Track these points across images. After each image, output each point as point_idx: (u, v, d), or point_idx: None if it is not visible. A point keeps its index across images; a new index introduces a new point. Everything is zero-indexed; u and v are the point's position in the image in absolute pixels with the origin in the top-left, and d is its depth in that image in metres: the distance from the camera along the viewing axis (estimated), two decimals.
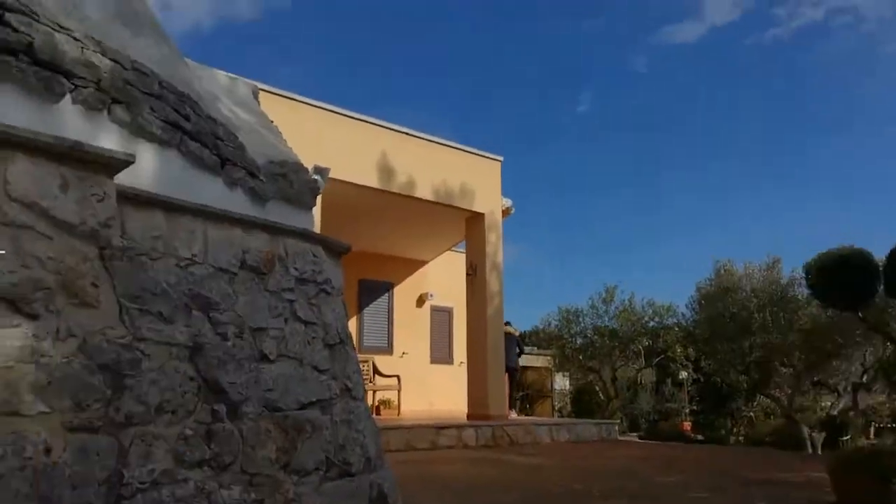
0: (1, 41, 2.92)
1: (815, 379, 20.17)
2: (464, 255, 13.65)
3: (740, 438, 23.12)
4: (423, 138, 11.63)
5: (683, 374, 24.01)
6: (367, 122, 10.89)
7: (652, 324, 23.76)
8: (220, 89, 5.89)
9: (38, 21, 3.15)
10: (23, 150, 2.50)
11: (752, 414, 24.53)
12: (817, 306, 16.96)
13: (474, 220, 12.70)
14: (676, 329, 23.20)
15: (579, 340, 24.06)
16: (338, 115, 10.50)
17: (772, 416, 23.56)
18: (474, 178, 12.47)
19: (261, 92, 8.80)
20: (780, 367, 19.74)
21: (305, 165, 6.74)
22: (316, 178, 6.62)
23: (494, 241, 12.62)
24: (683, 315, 22.90)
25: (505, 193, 12.97)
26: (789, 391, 20.24)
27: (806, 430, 19.19)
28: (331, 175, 7.86)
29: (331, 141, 10.21)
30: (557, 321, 24.88)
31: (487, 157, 12.70)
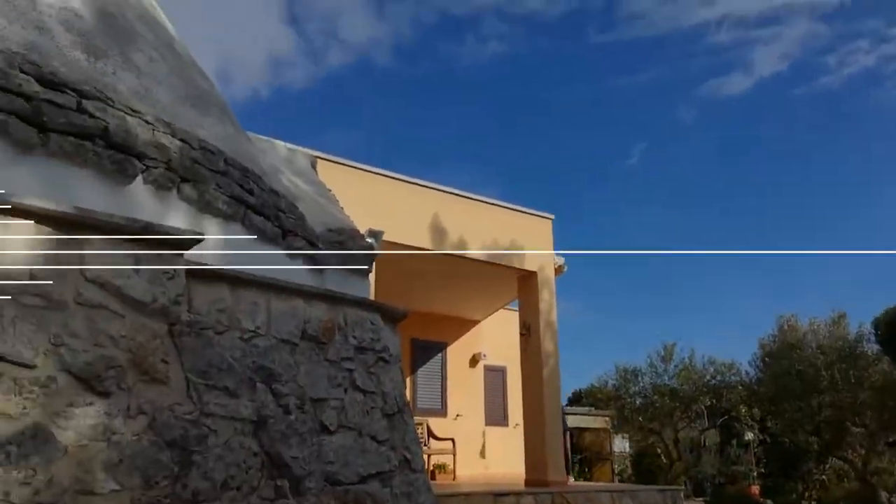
0: (78, 127, 3.09)
1: (891, 439, 19.08)
2: (517, 314, 13.54)
3: (812, 503, 21.88)
4: (473, 199, 11.73)
5: (749, 436, 22.99)
6: (418, 184, 11.07)
7: (714, 382, 22.99)
8: (281, 160, 6.08)
9: (112, 106, 3.32)
10: (99, 232, 2.60)
11: (823, 477, 23.22)
12: (888, 363, 16.16)
13: (526, 279, 12.63)
14: (740, 387, 22.35)
15: (638, 400, 23.36)
16: (390, 179, 10.70)
17: (845, 480, 22.25)
18: (525, 237, 12.46)
19: (317, 159, 9.06)
20: (851, 427, 18.75)
21: (360, 229, 6.85)
22: (370, 241, 6.70)
23: (548, 299, 12.49)
24: (747, 373, 22.08)
25: (557, 251, 12.89)
26: (863, 452, 19.16)
27: (884, 495, 18.05)
28: (384, 237, 7.97)
29: (384, 204, 10.39)
30: (615, 380, 24.29)
31: (538, 216, 12.70)
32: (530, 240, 12.52)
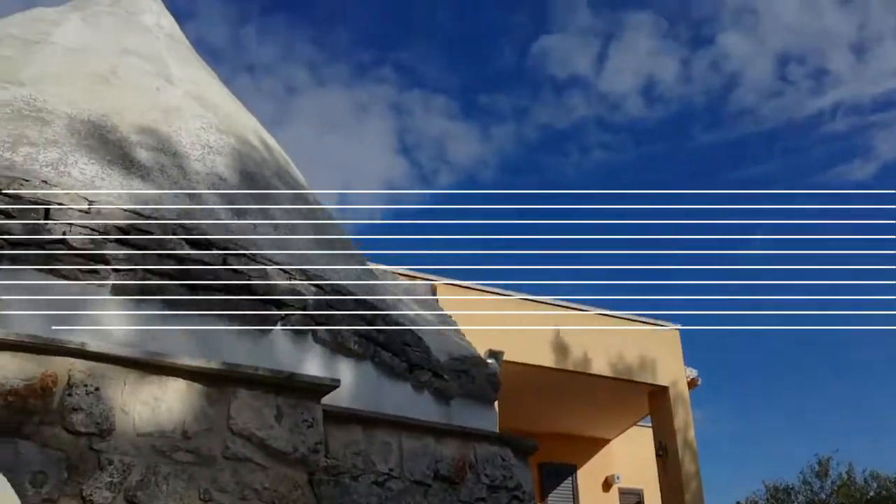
0: (224, 282, 3.32)
1: None
2: (651, 430, 12.81)
3: None
4: (595, 312, 11.50)
5: None
6: (536, 300, 11.02)
7: (879, 499, 20.47)
8: (403, 291, 6.25)
9: (253, 260, 3.57)
10: (245, 385, 2.72)
11: None
12: None
13: (658, 395, 12.01)
14: None
15: None
16: (508, 297, 10.74)
17: None
18: (652, 350, 11.97)
19: (431, 280, 9.25)
20: None
21: (480, 351, 6.81)
22: (491, 362, 6.63)
23: (683, 415, 11.77)
24: None
25: (689, 363, 12.28)
26: None
27: None
28: (505, 357, 7.88)
29: (503, 322, 10.37)
30: (764, 500, 22.14)
31: (664, 327, 12.23)
32: (658, 352, 12.01)
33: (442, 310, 6.55)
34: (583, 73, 31.96)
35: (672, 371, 12.06)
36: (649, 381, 11.83)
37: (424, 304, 6.27)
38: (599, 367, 11.29)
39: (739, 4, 30.05)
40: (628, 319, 12.13)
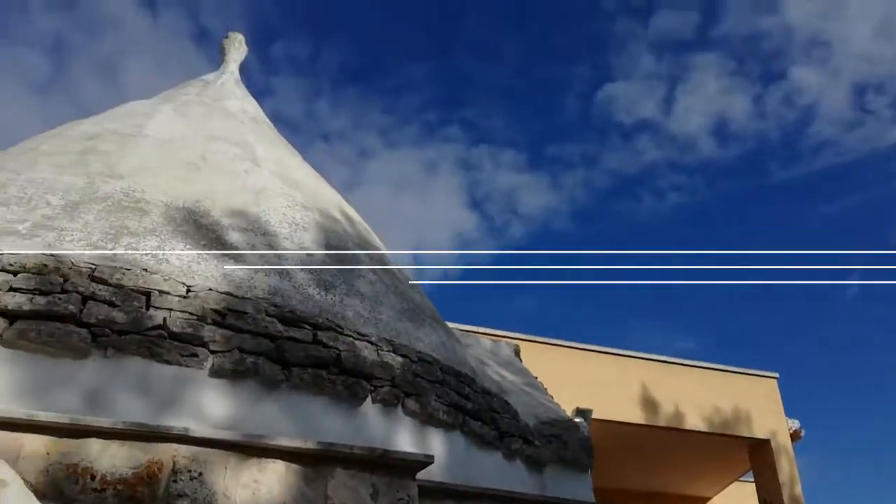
0: (314, 358, 3.36)
1: None
2: (753, 485, 12.08)
3: None
4: (685, 364, 11.07)
5: None
6: (624, 355, 10.71)
7: None
8: (486, 353, 6.19)
9: (342, 334, 3.61)
10: (341, 464, 2.72)
11: None
12: None
13: (758, 449, 11.36)
14: None
15: None
16: (593, 353, 10.47)
17: None
18: (749, 401, 11.38)
19: (513, 337, 9.14)
20: None
21: (567, 409, 6.62)
22: (579, 421, 6.43)
23: (788, 469, 11.05)
24: None
25: (791, 413, 11.60)
26: None
27: None
28: (593, 415, 7.64)
29: (589, 379, 10.10)
30: None
31: (760, 376, 11.64)
32: (755, 403, 11.42)
33: (525, 369, 6.44)
34: (650, 116, 31.68)
35: (772, 422, 11.42)
36: (747, 435, 11.23)
37: (508, 365, 6.18)
38: (693, 421, 10.80)
39: (809, 37, 29.36)
40: (721, 370, 11.63)
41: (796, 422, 11.80)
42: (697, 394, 11.06)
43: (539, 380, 6.58)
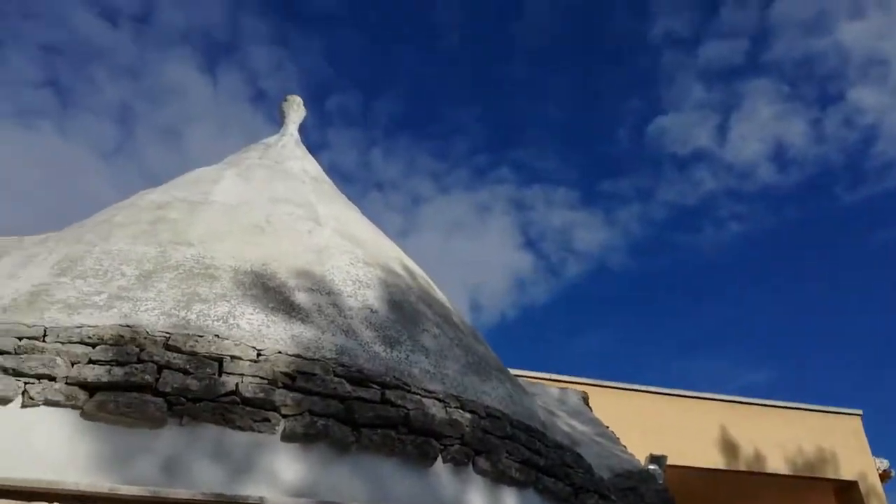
0: (383, 419, 3.33)
1: None
2: None
3: None
4: (763, 404, 10.65)
5: None
6: (697, 397, 10.36)
7: None
8: (554, 402, 6.06)
9: (409, 392, 3.58)
10: None
11: None
12: None
13: (845, 491, 10.73)
14: None
15: None
16: (665, 396, 10.15)
17: None
18: (832, 441, 10.80)
19: (581, 383, 8.94)
20: None
21: (640, 456, 6.39)
22: (653, 467, 6.19)
23: None
24: None
25: (878, 452, 10.94)
26: None
27: None
28: (668, 461, 7.36)
29: (662, 423, 9.78)
30: None
31: (843, 413, 11.07)
32: (839, 442, 10.84)
33: (596, 419, 6.27)
34: (705, 146, 31.19)
35: (859, 462, 10.80)
36: (833, 476, 10.64)
37: (578, 415, 6.04)
38: (775, 464, 10.31)
39: (866, 57, 28.61)
40: (800, 409, 11.13)
41: (885, 461, 11.13)
42: (778, 434, 10.59)
43: (609, 428, 6.39)
